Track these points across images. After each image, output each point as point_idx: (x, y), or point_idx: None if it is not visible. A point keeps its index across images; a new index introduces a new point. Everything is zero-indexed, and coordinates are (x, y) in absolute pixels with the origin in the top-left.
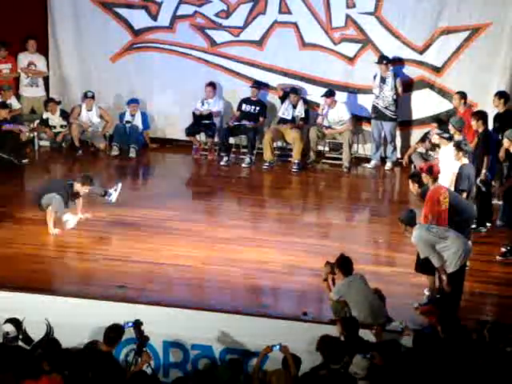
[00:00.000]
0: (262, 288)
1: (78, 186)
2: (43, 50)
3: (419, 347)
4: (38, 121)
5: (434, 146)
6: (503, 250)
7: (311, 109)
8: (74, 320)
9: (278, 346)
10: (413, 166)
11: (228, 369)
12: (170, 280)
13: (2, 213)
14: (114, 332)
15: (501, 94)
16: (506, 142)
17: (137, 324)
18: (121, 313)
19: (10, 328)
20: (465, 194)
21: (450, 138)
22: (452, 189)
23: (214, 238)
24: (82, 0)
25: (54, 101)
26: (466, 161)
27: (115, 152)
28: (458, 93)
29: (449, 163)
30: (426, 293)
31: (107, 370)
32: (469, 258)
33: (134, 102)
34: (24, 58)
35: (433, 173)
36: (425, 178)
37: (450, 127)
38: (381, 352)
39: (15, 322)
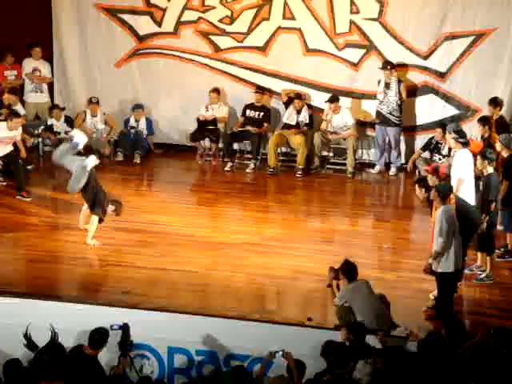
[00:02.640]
0: (266, 293)
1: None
2: (48, 56)
3: (424, 352)
4: (42, 127)
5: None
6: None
7: (315, 114)
8: (79, 326)
9: (280, 352)
10: (417, 172)
11: (232, 375)
12: (174, 286)
13: (8, 219)
14: (98, 335)
15: (494, 101)
16: (498, 147)
17: (124, 327)
18: (125, 318)
19: None
20: (493, 205)
21: (466, 144)
22: (459, 193)
23: (219, 244)
24: (86, 6)
25: (58, 107)
26: (491, 170)
27: (120, 158)
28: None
29: (461, 168)
30: (432, 297)
31: (91, 374)
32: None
33: (138, 107)
34: (29, 64)
35: (438, 174)
36: (430, 179)
37: (447, 135)
38: (385, 357)
39: None
